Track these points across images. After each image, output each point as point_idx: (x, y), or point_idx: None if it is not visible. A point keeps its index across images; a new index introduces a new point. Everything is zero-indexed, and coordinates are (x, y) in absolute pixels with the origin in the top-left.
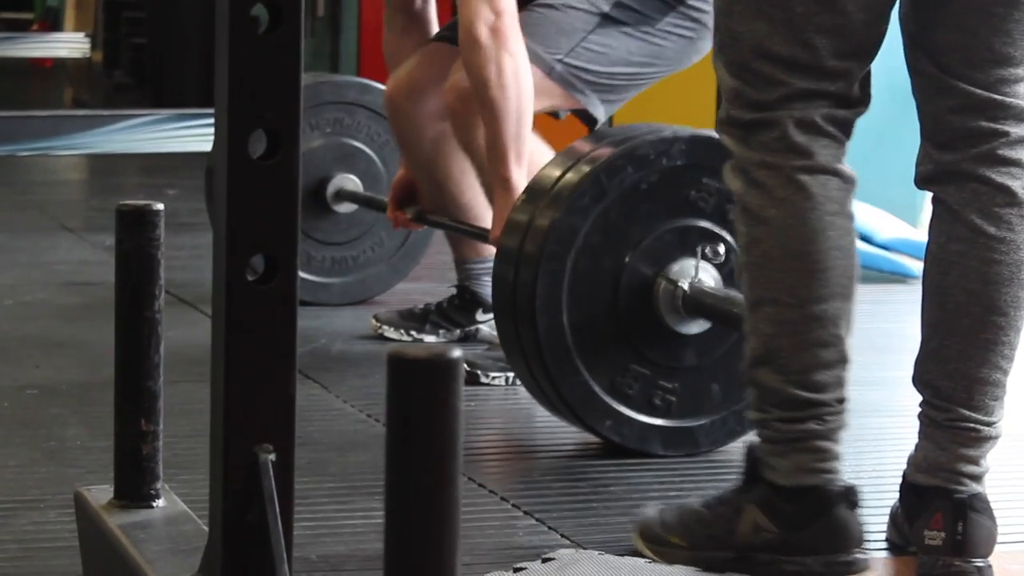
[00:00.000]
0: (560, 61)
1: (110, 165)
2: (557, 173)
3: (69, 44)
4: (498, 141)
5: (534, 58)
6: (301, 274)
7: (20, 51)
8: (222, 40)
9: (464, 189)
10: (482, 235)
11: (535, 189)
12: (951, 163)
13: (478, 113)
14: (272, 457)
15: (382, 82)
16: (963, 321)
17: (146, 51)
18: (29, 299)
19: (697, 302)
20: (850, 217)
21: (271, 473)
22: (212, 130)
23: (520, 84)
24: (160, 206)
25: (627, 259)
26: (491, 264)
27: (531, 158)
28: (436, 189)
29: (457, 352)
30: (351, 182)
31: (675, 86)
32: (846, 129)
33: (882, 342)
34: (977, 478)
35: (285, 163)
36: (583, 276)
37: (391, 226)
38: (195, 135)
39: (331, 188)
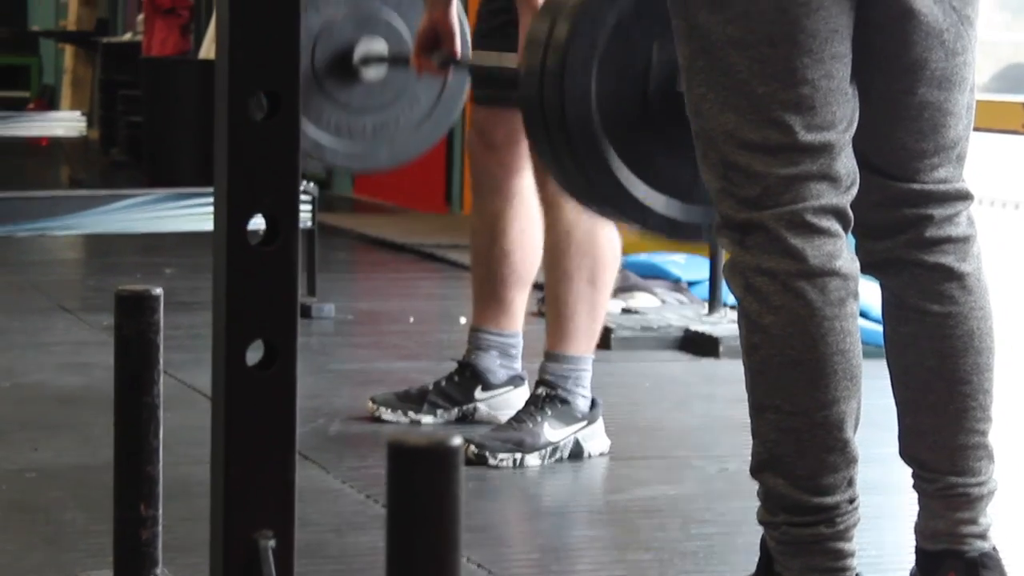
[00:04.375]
0: None
1: (107, 244)
2: None
3: (65, 122)
4: None
5: None
6: (344, 145)
7: (16, 130)
8: (221, 126)
9: (517, 247)
10: (511, 78)
11: (551, 5)
12: (884, 251)
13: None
14: (272, 543)
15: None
16: (929, 397)
17: (143, 129)
18: (26, 381)
19: None
20: (852, 315)
21: (271, 559)
22: (209, 209)
23: None
24: (159, 291)
25: (653, 54)
26: (506, 339)
27: None
28: (491, 241)
29: (457, 439)
30: (378, 45)
31: None
32: (841, 218)
33: (879, 418)
34: (981, 536)
35: (284, 249)
36: (610, 78)
37: (424, 80)
38: (192, 214)
39: (358, 54)
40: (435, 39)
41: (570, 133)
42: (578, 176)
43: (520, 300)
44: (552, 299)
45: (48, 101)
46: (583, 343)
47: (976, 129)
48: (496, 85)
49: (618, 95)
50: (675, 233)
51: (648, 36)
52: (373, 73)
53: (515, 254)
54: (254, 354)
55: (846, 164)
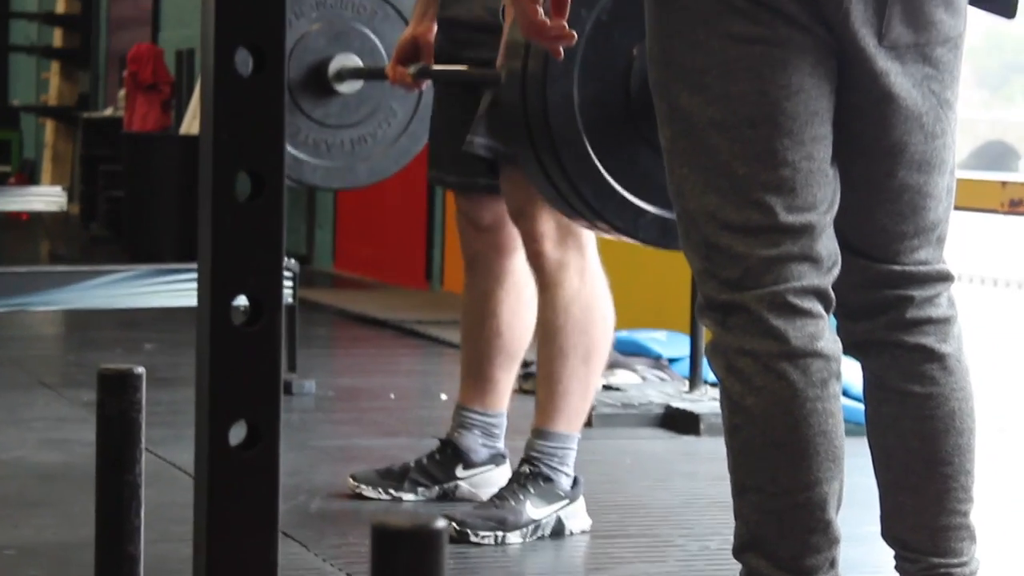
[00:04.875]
0: None
1: (87, 320)
2: None
3: (46, 197)
4: None
5: None
6: (323, 162)
7: None
8: (205, 206)
9: (506, 328)
10: (494, 79)
11: None
12: (864, 332)
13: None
14: None
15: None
16: (911, 479)
17: (123, 204)
18: (6, 457)
19: None
20: (834, 396)
21: None
22: (189, 285)
23: None
24: (141, 370)
25: (634, 56)
26: (489, 419)
27: None
28: (481, 321)
29: (441, 522)
30: (352, 60)
31: (650, 286)
32: (823, 299)
33: (862, 497)
34: None
35: (268, 330)
36: (591, 81)
37: (399, 94)
38: (172, 290)
39: (332, 68)
40: (414, 52)
41: (555, 139)
42: (563, 183)
43: (507, 380)
44: (545, 376)
45: (29, 175)
46: (573, 421)
47: (956, 207)
48: (468, 168)
49: (600, 98)
50: (666, 237)
51: (627, 37)
52: (348, 87)
53: (504, 335)
54: (237, 434)
55: (827, 245)
